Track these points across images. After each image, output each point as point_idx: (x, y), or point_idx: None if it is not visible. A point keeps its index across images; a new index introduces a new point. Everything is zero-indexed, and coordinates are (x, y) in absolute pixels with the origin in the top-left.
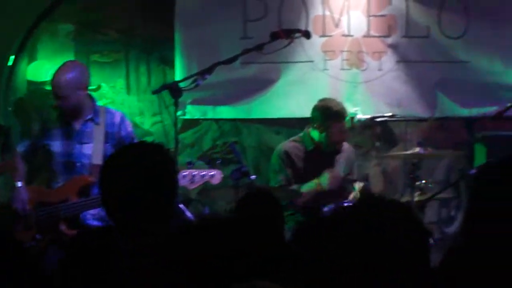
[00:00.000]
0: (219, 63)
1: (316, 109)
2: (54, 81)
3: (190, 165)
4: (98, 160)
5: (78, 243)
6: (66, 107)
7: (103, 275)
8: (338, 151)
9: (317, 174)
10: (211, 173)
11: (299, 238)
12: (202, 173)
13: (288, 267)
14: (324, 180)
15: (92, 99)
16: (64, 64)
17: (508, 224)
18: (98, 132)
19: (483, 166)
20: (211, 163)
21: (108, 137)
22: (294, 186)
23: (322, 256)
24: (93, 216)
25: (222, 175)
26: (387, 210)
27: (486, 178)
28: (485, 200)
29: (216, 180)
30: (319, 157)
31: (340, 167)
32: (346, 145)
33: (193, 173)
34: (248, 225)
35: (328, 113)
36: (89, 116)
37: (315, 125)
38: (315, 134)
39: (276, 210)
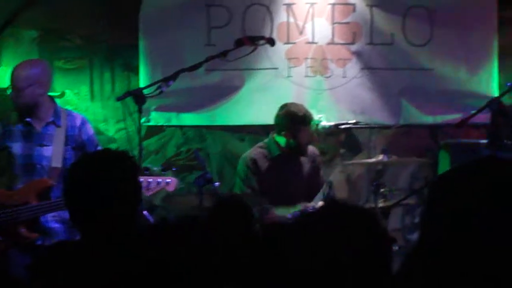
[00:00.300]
0: (183, 70)
1: (281, 116)
2: (14, 72)
3: (146, 171)
4: (57, 163)
5: (46, 253)
6: (21, 103)
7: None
8: (303, 155)
9: (282, 179)
10: (167, 180)
11: (265, 244)
12: (158, 180)
13: (256, 272)
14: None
15: (53, 101)
16: (28, 59)
17: (461, 232)
18: (59, 135)
19: (441, 174)
20: (167, 170)
21: (68, 139)
22: (267, 206)
23: (287, 261)
24: (54, 219)
25: (177, 182)
26: (351, 216)
27: (439, 185)
28: (438, 208)
29: (171, 188)
30: (285, 163)
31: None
32: (311, 148)
33: (149, 180)
34: (219, 229)
35: (295, 119)
36: (51, 119)
37: (282, 132)
38: (281, 140)
39: (248, 217)
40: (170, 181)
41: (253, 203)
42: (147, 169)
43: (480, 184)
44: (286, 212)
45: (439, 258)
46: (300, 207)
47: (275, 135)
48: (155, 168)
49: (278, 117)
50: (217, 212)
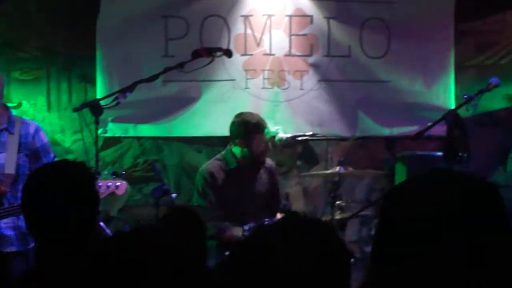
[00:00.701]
0: (140, 81)
1: (235, 124)
2: None
3: (97, 175)
4: (11, 169)
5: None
6: None
7: None
8: (260, 166)
9: (239, 192)
10: (117, 184)
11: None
12: (108, 184)
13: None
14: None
15: (7, 109)
16: None
17: (415, 245)
18: (12, 142)
19: (394, 186)
20: (116, 175)
21: (21, 147)
22: (225, 224)
23: (244, 274)
24: (7, 225)
25: (127, 186)
26: (309, 229)
27: (393, 197)
28: (392, 220)
29: (121, 191)
30: (242, 175)
31: (277, 190)
32: (269, 161)
33: (99, 184)
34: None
35: (248, 127)
36: (4, 126)
37: (237, 141)
38: (237, 150)
39: (199, 229)
40: (119, 185)
41: (211, 216)
42: (97, 173)
43: (432, 195)
44: (238, 233)
45: (394, 269)
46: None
47: (232, 146)
48: (105, 172)
49: (232, 125)
50: (167, 223)
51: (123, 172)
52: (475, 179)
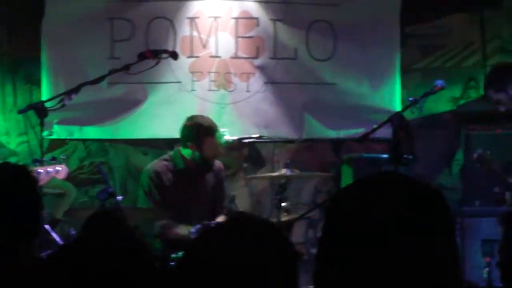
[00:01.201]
0: (86, 83)
1: (187, 128)
2: None
3: (37, 162)
4: None
5: None
6: None
7: None
8: (209, 169)
9: (186, 193)
10: (57, 169)
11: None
12: (48, 169)
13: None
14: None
15: None
16: None
17: (359, 248)
18: None
19: (339, 189)
20: (56, 159)
21: None
22: (170, 224)
23: (192, 275)
24: None
25: (68, 170)
26: (257, 229)
27: (339, 200)
28: (338, 222)
29: (61, 175)
30: (189, 176)
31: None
32: (217, 163)
33: (39, 171)
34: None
35: (200, 130)
36: None
37: (188, 144)
38: (187, 152)
39: (122, 231)
40: (60, 169)
41: (156, 217)
42: (36, 160)
43: (378, 198)
44: (183, 233)
45: (339, 272)
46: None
47: (180, 147)
48: (44, 159)
49: (184, 128)
50: (89, 227)
51: (63, 157)
52: (420, 182)
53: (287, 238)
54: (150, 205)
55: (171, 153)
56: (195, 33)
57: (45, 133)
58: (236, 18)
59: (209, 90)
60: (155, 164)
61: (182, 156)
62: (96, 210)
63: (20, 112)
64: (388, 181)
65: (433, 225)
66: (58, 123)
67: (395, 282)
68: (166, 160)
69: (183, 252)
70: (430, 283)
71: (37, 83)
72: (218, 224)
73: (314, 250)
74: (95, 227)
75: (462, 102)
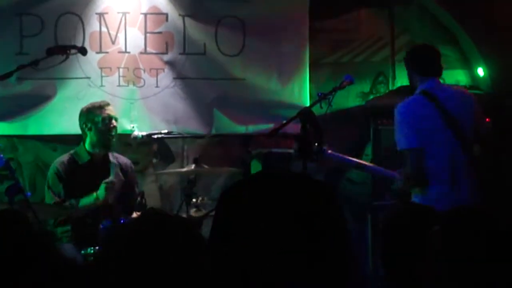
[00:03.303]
0: None
1: (80, 114)
2: None
3: None
4: None
5: None
6: None
7: None
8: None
9: (92, 185)
10: None
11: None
12: None
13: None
14: (101, 191)
15: None
16: None
17: (245, 244)
18: None
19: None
20: None
21: None
22: (72, 201)
23: (105, 273)
24: None
25: None
26: (170, 225)
27: (228, 196)
28: (227, 218)
29: None
30: (94, 170)
31: (112, 173)
32: (123, 158)
33: None
34: None
35: (91, 108)
36: None
37: (85, 129)
38: (87, 142)
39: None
40: None
41: (61, 213)
42: None
43: (266, 195)
44: (89, 201)
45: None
46: (103, 185)
47: (83, 141)
48: None
49: (79, 117)
50: None
51: None
52: (311, 179)
53: (199, 233)
54: (54, 200)
55: (77, 148)
56: (104, 29)
57: None
58: (145, 14)
59: (118, 85)
60: (61, 158)
61: (85, 149)
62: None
63: None
64: (277, 179)
65: (325, 221)
66: None
67: (289, 279)
68: (71, 154)
69: (93, 248)
70: (322, 278)
71: None
72: (130, 222)
73: None
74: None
75: (371, 97)
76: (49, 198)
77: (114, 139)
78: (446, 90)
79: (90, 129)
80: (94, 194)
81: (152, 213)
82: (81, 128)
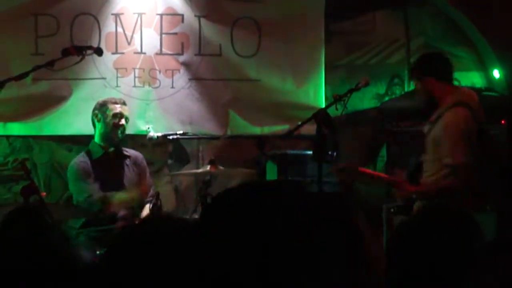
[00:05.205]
0: (9, 79)
1: (95, 105)
2: None
3: None
4: None
5: None
6: None
7: None
8: (123, 155)
9: (106, 181)
10: None
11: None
12: None
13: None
14: (135, 195)
15: None
16: None
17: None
18: None
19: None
20: None
21: None
22: (108, 194)
23: (115, 272)
24: None
25: None
26: (173, 230)
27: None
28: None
29: None
30: (107, 165)
31: (144, 179)
32: (133, 152)
33: None
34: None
35: (106, 101)
36: None
37: (95, 120)
38: (96, 134)
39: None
40: None
41: (77, 214)
42: None
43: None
44: (123, 198)
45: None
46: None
47: (94, 137)
48: None
49: (92, 115)
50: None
51: None
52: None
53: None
54: (86, 190)
55: (89, 145)
56: (119, 30)
57: None
58: (161, 15)
59: (134, 86)
60: (76, 158)
61: (97, 144)
62: (17, 206)
63: None
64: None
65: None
66: None
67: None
68: (84, 153)
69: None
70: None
71: None
72: (136, 224)
73: None
74: (15, 224)
75: (386, 98)
76: (81, 198)
77: (120, 137)
78: None
79: (99, 120)
80: (127, 195)
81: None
82: (92, 120)
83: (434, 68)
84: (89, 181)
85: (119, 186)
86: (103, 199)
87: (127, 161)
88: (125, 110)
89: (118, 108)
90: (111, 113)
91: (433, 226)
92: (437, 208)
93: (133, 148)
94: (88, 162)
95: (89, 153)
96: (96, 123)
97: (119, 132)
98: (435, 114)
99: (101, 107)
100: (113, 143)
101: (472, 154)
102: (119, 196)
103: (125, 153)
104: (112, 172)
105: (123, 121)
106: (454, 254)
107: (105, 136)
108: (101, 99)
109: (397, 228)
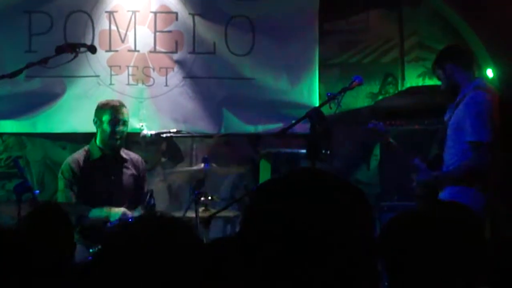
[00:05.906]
0: (2, 77)
1: (95, 108)
2: None
3: None
4: None
5: None
6: None
7: None
8: (122, 157)
9: (103, 182)
10: None
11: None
12: None
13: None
14: (115, 215)
15: None
16: None
17: (275, 243)
18: None
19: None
20: None
21: None
22: (83, 207)
23: (108, 271)
24: None
25: None
26: (168, 229)
27: (259, 195)
28: (256, 217)
29: None
30: (106, 166)
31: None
32: (134, 155)
33: None
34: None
35: (104, 105)
36: None
37: (95, 125)
38: (98, 137)
39: (64, 226)
40: None
41: (74, 208)
42: None
43: (296, 194)
44: (100, 215)
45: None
46: (119, 213)
47: (95, 138)
48: None
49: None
50: (33, 220)
51: None
52: (340, 179)
53: (198, 237)
54: (69, 198)
55: (89, 145)
56: (113, 27)
57: None
58: (155, 12)
59: (128, 84)
60: (73, 155)
61: (97, 145)
62: (41, 203)
63: None
64: (308, 178)
65: (355, 223)
66: None
67: (310, 280)
68: (84, 150)
69: (101, 247)
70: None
71: None
72: (132, 222)
73: None
74: (38, 220)
75: (380, 97)
76: (64, 198)
77: (119, 142)
78: None
79: (99, 126)
80: (105, 210)
81: (150, 215)
82: (94, 122)
83: (457, 56)
84: (76, 183)
85: (114, 190)
86: (81, 211)
87: (126, 165)
88: (123, 114)
89: (114, 114)
90: (107, 119)
91: (426, 222)
92: (432, 205)
93: (126, 146)
94: (82, 162)
95: (88, 153)
96: (97, 128)
97: (116, 139)
98: (456, 100)
99: (99, 112)
100: (109, 147)
101: (495, 134)
102: (94, 213)
103: (124, 156)
104: (109, 176)
105: (121, 127)
106: (447, 252)
107: (104, 142)
108: (100, 101)
109: (386, 224)
